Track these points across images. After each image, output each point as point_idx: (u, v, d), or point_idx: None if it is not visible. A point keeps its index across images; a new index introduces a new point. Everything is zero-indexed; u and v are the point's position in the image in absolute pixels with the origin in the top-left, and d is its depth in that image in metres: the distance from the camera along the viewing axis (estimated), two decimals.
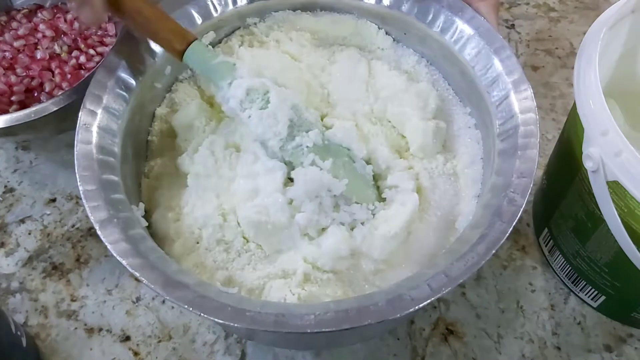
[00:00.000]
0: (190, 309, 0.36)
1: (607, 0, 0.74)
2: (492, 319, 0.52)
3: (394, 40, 0.56)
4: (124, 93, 0.48)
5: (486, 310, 0.52)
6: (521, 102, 0.45)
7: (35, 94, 0.61)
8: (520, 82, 0.46)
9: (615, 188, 0.40)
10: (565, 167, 0.48)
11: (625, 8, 0.46)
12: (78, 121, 0.45)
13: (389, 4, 0.54)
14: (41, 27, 0.65)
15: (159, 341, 0.52)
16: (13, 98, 0.60)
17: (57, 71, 0.62)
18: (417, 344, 0.51)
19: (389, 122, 0.52)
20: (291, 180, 0.47)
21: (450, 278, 0.37)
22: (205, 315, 0.36)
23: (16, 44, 0.63)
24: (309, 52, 0.54)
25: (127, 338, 0.52)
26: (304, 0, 0.56)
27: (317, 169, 0.46)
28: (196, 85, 0.54)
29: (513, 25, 0.72)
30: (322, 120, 0.51)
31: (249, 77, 0.47)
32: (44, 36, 0.64)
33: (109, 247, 0.39)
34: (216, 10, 0.54)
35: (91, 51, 0.63)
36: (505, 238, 0.39)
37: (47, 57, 0.63)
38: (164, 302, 0.54)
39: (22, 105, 0.60)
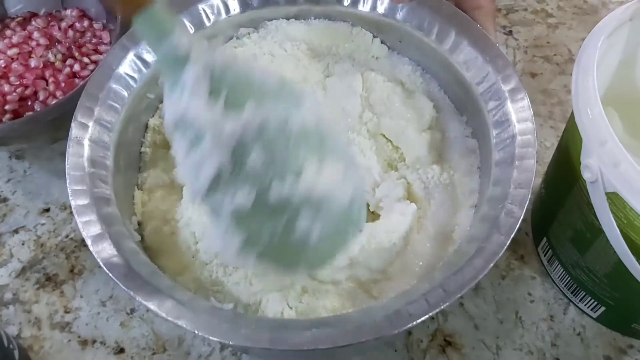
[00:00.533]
0: (184, 326, 0.36)
1: (605, 6, 0.73)
2: (491, 329, 0.51)
3: (389, 48, 0.56)
4: (116, 104, 0.48)
5: (484, 321, 0.52)
6: (518, 111, 0.45)
7: (29, 103, 0.60)
8: (516, 91, 0.46)
9: (614, 199, 0.40)
10: (563, 176, 0.47)
11: (623, 15, 0.46)
12: (69, 134, 0.44)
13: (383, 12, 0.53)
14: (35, 35, 0.64)
15: (154, 353, 0.51)
16: (7, 107, 0.59)
17: (51, 80, 0.61)
18: (414, 356, 0.50)
19: (383, 135, 0.51)
20: None
21: (448, 292, 0.37)
22: (199, 333, 0.36)
23: (10, 52, 0.63)
24: (305, 66, 0.54)
25: (122, 350, 0.51)
26: (298, 9, 0.55)
27: None
28: None
29: (511, 31, 0.72)
30: None
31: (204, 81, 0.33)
32: (38, 44, 0.64)
33: (101, 263, 0.39)
34: (209, 19, 0.53)
35: (85, 59, 0.63)
36: (502, 251, 0.38)
37: (41, 65, 0.62)
38: None
39: (16, 114, 0.59)
